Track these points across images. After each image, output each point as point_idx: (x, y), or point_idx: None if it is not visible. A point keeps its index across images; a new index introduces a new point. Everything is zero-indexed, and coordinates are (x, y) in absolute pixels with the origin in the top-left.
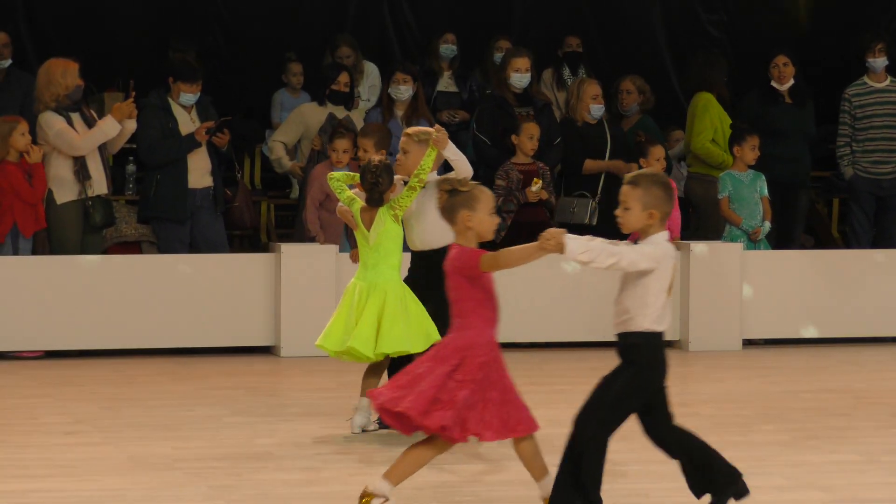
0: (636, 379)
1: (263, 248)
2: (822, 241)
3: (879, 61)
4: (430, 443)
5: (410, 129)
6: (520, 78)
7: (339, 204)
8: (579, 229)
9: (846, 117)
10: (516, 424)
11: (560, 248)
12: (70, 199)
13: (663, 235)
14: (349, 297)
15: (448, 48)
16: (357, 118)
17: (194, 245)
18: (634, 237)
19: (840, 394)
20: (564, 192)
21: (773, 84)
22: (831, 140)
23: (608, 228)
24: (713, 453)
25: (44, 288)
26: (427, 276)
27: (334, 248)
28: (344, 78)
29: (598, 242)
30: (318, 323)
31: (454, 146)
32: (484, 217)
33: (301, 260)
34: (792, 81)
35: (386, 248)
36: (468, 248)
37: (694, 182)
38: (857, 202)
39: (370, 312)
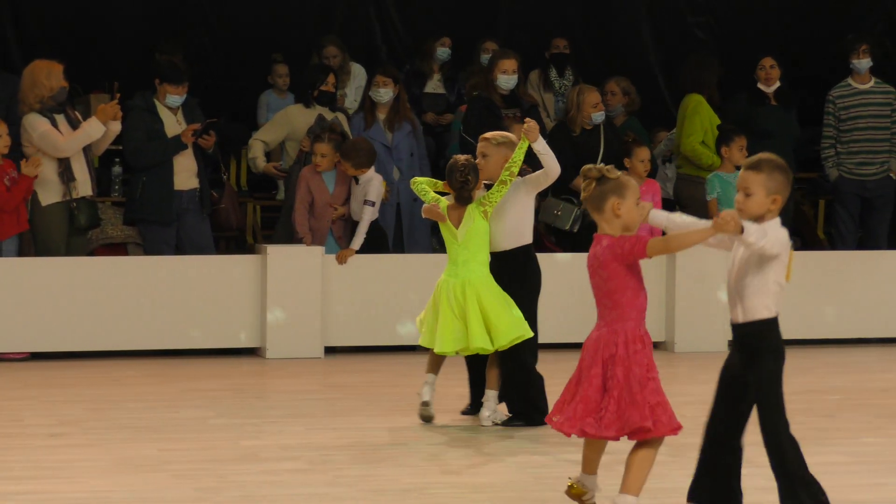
0: (771, 367)
1: (249, 250)
2: (807, 242)
3: (864, 63)
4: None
5: (489, 134)
6: (507, 79)
7: (425, 204)
8: (560, 234)
9: (831, 119)
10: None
11: (738, 229)
12: (55, 200)
13: (778, 221)
14: (445, 296)
15: (444, 51)
16: (343, 120)
17: (180, 247)
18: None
19: (825, 395)
20: (552, 193)
21: (760, 86)
22: (816, 142)
23: (589, 236)
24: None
25: (29, 289)
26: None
27: (320, 249)
28: (332, 79)
29: (754, 225)
30: (304, 324)
31: (544, 140)
32: (632, 206)
33: (287, 261)
34: (778, 84)
35: (475, 244)
36: (626, 235)
37: (683, 183)
38: (843, 203)
39: (473, 310)
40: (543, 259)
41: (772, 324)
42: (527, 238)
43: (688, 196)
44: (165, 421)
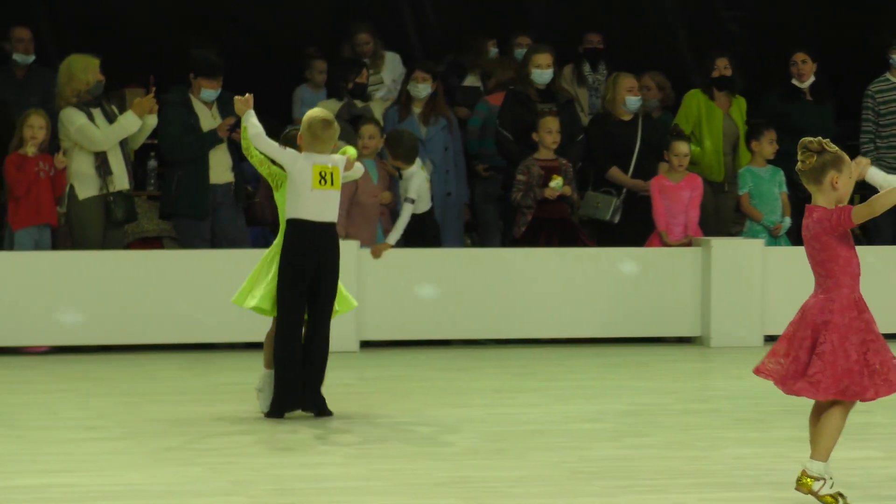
0: None
1: None
2: None
3: None
4: (838, 406)
5: None
6: (541, 74)
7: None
8: (601, 226)
9: (869, 114)
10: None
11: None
12: (91, 194)
13: None
14: None
15: (494, 52)
16: (377, 110)
17: (215, 241)
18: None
19: None
20: (592, 186)
21: (794, 81)
22: (852, 137)
23: (630, 226)
24: None
25: (65, 282)
26: None
27: (356, 243)
28: (365, 72)
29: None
30: (341, 318)
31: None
32: (847, 180)
33: None
34: (812, 78)
35: None
36: (831, 207)
37: None
38: None
39: None
40: (576, 252)
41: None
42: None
43: None
44: (200, 414)
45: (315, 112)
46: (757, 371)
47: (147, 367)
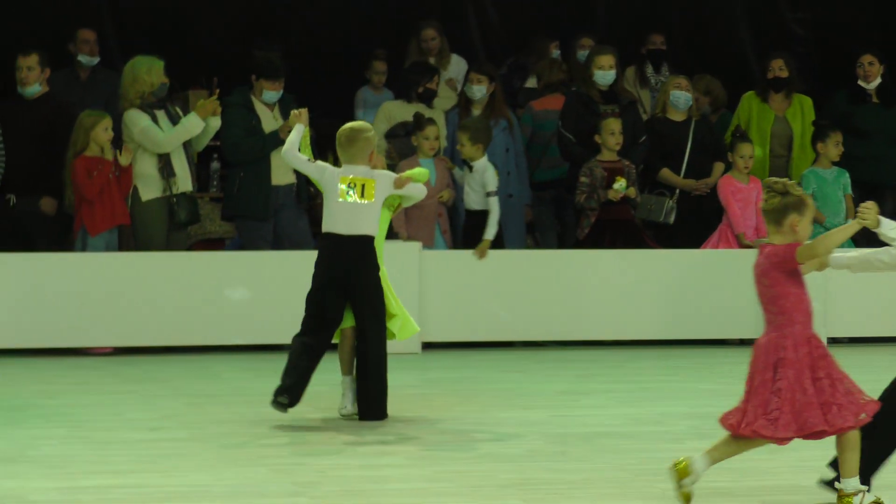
0: None
1: None
2: None
3: None
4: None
5: None
6: (603, 75)
7: None
8: (656, 227)
9: None
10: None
11: (875, 223)
12: (155, 196)
13: None
14: None
15: (558, 54)
16: (437, 116)
17: (278, 242)
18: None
19: None
20: (648, 189)
21: (860, 83)
22: None
23: (684, 227)
24: None
25: (129, 284)
26: None
27: (417, 245)
28: (436, 79)
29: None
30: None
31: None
32: (808, 224)
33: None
34: (879, 80)
35: None
36: (783, 244)
37: None
38: None
39: None
40: (639, 254)
41: None
42: None
43: None
44: (264, 415)
45: (348, 124)
46: (743, 433)
47: (211, 369)
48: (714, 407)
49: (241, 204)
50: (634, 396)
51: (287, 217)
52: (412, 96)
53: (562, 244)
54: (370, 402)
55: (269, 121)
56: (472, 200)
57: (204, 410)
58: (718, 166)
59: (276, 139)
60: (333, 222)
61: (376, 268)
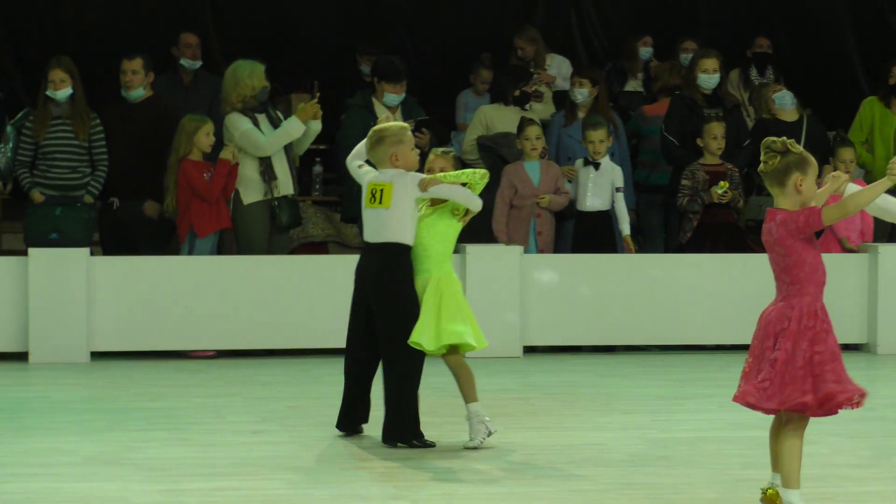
0: None
1: None
2: None
3: None
4: (790, 425)
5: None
6: (708, 78)
7: None
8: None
9: None
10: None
11: None
12: (256, 199)
13: None
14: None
15: (647, 51)
16: (543, 114)
17: None
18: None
19: None
20: (756, 191)
21: None
22: None
23: None
24: None
25: (231, 287)
26: None
27: (519, 248)
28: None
29: None
30: (502, 324)
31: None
32: (812, 183)
33: (486, 261)
34: None
35: None
36: (797, 210)
37: None
38: None
39: None
40: (741, 258)
41: None
42: None
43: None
44: None
45: (378, 125)
46: (736, 399)
47: (313, 372)
48: None
49: (360, 206)
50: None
51: None
52: (508, 100)
53: (667, 248)
54: (384, 425)
55: None
56: (594, 202)
57: (306, 413)
58: (828, 168)
59: None
60: (363, 230)
61: (400, 279)
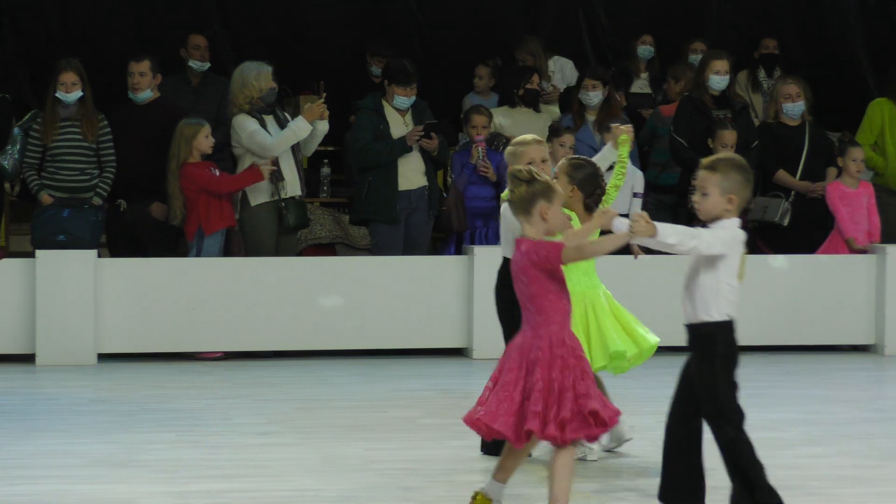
0: (714, 369)
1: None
2: None
3: None
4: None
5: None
6: (718, 80)
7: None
8: (771, 228)
9: None
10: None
11: (652, 231)
12: (264, 200)
13: (735, 221)
14: (601, 307)
15: (646, 49)
16: (545, 119)
17: (407, 246)
18: None
19: None
20: (761, 192)
21: None
22: None
23: (800, 228)
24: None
25: (238, 289)
26: None
27: None
28: (536, 78)
29: (679, 226)
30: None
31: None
32: (558, 211)
33: (494, 263)
34: None
35: None
36: (543, 241)
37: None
38: None
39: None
40: (751, 259)
41: (721, 326)
42: None
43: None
44: (373, 420)
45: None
46: (467, 421)
47: (321, 373)
48: (826, 413)
49: (370, 208)
50: (745, 402)
51: (417, 221)
52: (515, 101)
53: None
54: None
55: (399, 126)
56: (614, 206)
57: (313, 415)
58: (832, 171)
59: (403, 145)
60: None
61: (500, 292)
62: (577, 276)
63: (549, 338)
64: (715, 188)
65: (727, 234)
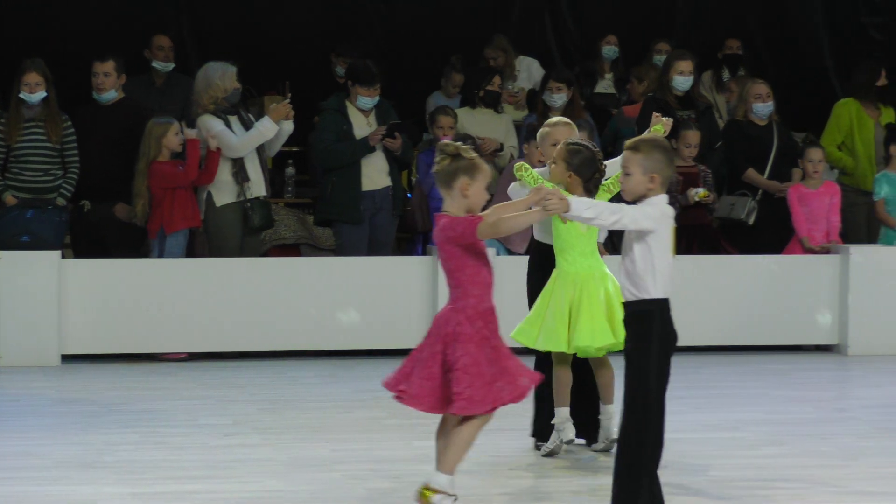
0: (656, 357)
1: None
2: None
3: None
4: (471, 420)
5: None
6: (683, 80)
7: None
8: (737, 227)
9: None
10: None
11: (565, 206)
12: (229, 201)
13: (662, 198)
14: (589, 290)
15: (610, 49)
16: (507, 121)
17: (371, 246)
18: None
19: None
20: (727, 190)
21: None
22: None
23: (766, 228)
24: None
25: (203, 289)
26: None
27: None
28: (497, 79)
29: (599, 202)
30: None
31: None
32: (480, 189)
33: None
34: None
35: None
36: (460, 216)
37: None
38: None
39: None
40: (713, 259)
41: (659, 304)
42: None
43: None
44: (339, 421)
45: None
46: (387, 387)
47: (285, 374)
48: (790, 413)
49: (333, 209)
50: (709, 403)
51: (380, 222)
52: (475, 101)
53: None
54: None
55: (363, 127)
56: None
57: (279, 416)
58: (797, 172)
59: (366, 146)
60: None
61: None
62: (573, 256)
63: (465, 311)
64: (637, 167)
65: (655, 210)
